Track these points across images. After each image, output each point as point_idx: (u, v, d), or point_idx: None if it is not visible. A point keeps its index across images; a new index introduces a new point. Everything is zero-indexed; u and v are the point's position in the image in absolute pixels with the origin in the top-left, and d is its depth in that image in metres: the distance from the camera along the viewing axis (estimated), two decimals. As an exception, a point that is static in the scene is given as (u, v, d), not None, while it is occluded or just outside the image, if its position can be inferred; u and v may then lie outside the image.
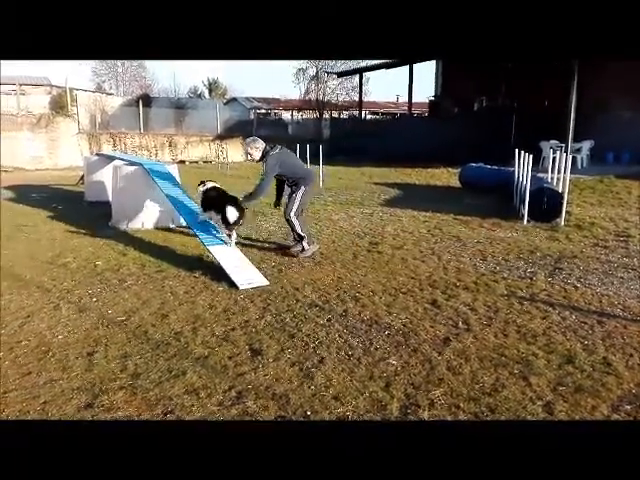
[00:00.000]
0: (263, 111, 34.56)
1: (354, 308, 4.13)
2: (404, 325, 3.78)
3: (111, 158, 8.85)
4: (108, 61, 41.95)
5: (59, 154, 17.70)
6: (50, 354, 3.33)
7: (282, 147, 5.66)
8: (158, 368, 3.12)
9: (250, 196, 5.46)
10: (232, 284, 4.66)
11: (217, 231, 5.60)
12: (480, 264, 5.43)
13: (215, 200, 5.53)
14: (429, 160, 15.72)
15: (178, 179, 7.78)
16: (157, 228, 7.17)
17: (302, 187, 5.62)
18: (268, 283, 4.74)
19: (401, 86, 58.83)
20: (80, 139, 19.17)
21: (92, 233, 6.96)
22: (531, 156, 7.55)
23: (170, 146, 21.02)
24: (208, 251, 5.24)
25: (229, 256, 5.11)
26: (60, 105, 20.03)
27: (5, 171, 15.81)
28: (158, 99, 29.09)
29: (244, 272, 4.86)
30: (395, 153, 17.47)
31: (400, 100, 37.99)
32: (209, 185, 5.78)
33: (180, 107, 26.10)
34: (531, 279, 4.85)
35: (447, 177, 13.67)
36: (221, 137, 21.87)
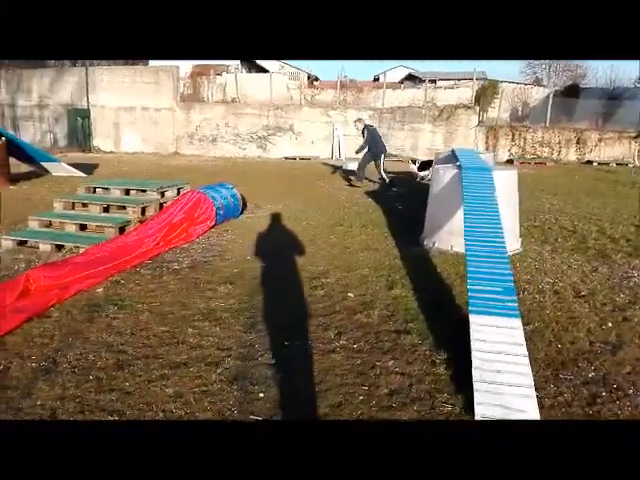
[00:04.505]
0: None
1: None
2: None
3: (456, 157, 7.31)
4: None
5: (453, 145, 17.30)
6: None
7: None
8: None
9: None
10: (471, 405, 2.51)
11: (508, 297, 3.35)
12: None
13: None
14: None
15: (515, 189, 5.60)
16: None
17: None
18: (539, 432, 2.35)
19: None
20: (478, 132, 18.32)
21: (391, 249, 5.71)
22: None
23: (578, 143, 17.60)
24: (469, 322, 3.13)
25: (493, 346, 2.86)
26: (482, 97, 19.60)
27: (400, 160, 16.49)
28: (588, 90, 25.15)
29: (503, 392, 2.56)
30: None
31: None
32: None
33: (614, 98, 21.58)
34: None
35: None
36: (650, 134, 16.82)
